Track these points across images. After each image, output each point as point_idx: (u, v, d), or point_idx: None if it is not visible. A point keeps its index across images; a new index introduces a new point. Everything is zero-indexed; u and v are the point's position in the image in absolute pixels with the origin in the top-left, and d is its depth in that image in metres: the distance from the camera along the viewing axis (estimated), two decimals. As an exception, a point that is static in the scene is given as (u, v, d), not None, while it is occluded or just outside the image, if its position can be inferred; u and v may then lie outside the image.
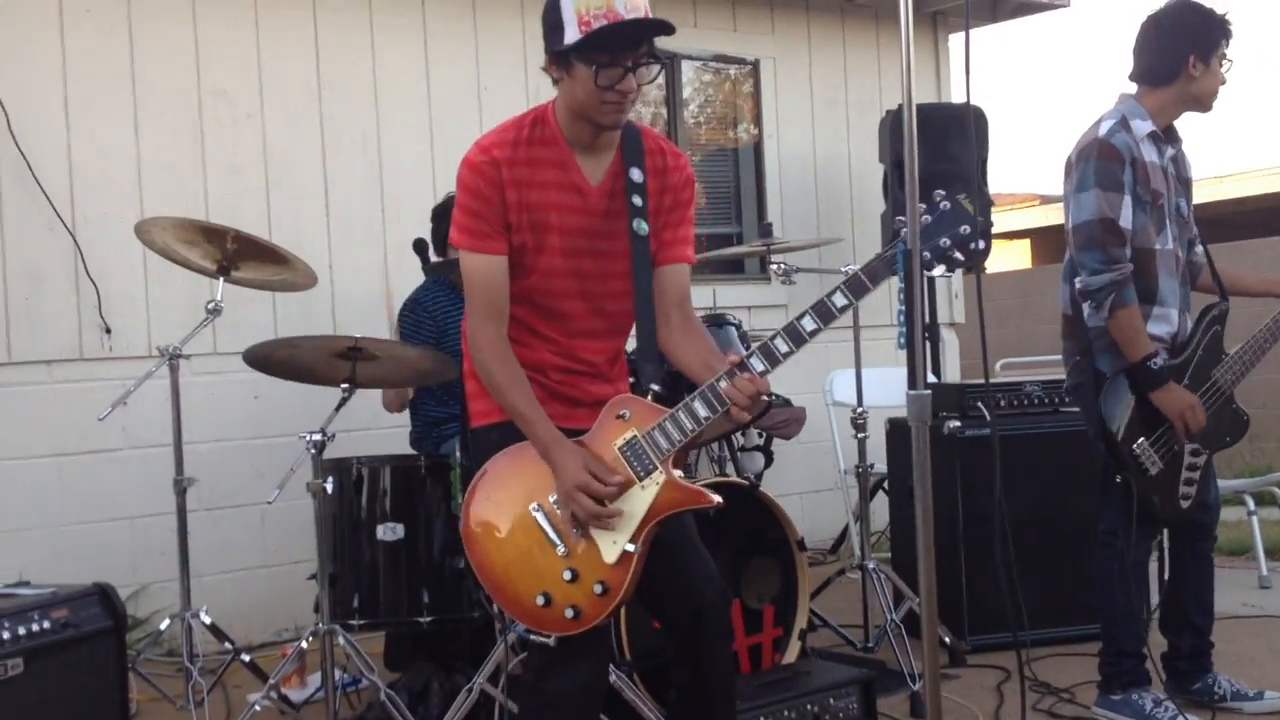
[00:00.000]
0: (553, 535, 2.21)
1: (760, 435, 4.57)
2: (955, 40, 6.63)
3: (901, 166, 2.17)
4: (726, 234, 6.04)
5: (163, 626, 3.72)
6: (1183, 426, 3.05)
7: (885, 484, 4.79)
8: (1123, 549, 3.14)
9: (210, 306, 3.59)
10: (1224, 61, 3.16)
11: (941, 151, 5.16)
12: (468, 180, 2.27)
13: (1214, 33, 3.13)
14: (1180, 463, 3.13)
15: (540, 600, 2.19)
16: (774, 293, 5.53)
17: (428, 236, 3.91)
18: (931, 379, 5.64)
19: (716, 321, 3.80)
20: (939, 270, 2.17)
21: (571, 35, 2.16)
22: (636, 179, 2.32)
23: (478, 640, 3.42)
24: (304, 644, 3.31)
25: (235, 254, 3.58)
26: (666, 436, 2.18)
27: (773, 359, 2.15)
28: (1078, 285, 3.09)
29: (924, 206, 2.14)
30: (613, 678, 2.90)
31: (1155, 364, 3.06)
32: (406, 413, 3.99)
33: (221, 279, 3.60)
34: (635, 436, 2.20)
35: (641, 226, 2.32)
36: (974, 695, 3.51)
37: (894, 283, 2.16)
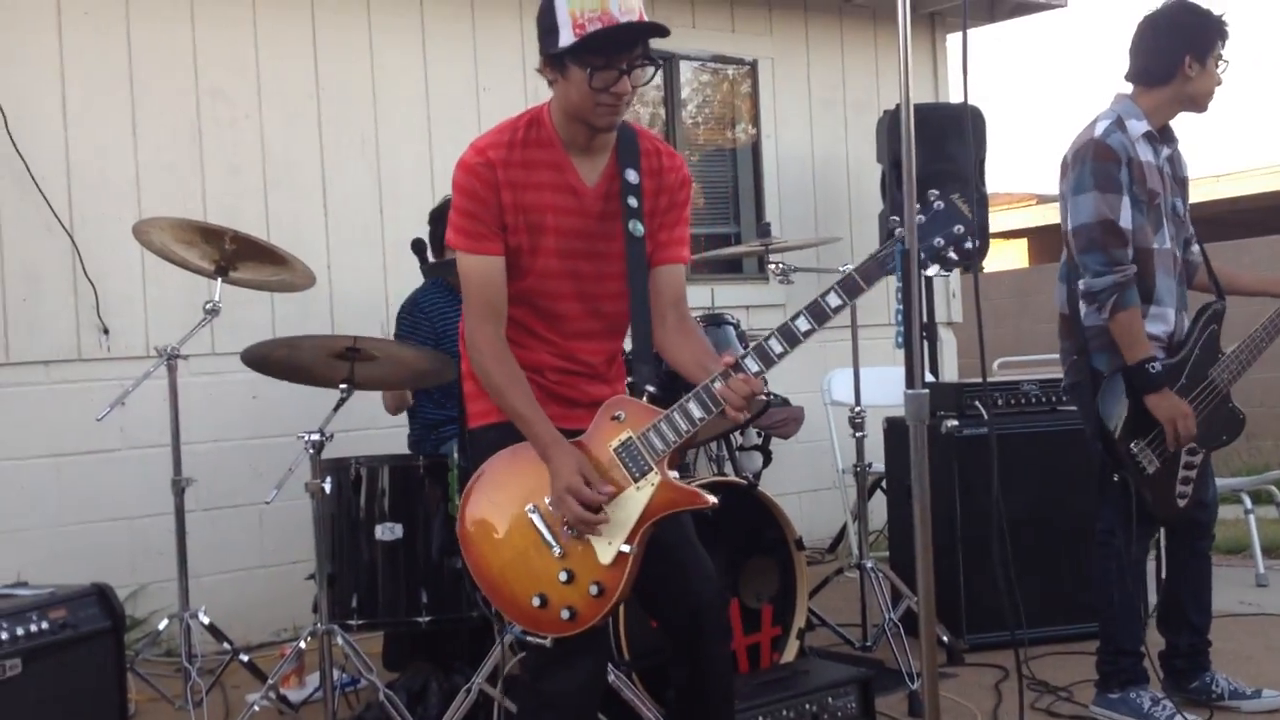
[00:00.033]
0: (548, 536, 2.21)
1: (758, 434, 4.57)
2: (953, 40, 6.63)
3: (899, 166, 2.16)
4: (725, 234, 6.05)
5: (161, 627, 3.73)
6: (1172, 433, 3.06)
7: (883, 483, 4.79)
8: (1120, 548, 3.15)
9: (208, 307, 3.59)
10: (1220, 62, 3.16)
11: (939, 151, 5.17)
12: (463, 182, 2.28)
13: (1210, 33, 3.14)
14: (1177, 461, 3.14)
15: (536, 601, 2.19)
16: (772, 292, 5.53)
17: (426, 238, 3.91)
18: (929, 378, 5.64)
19: (715, 321, 3.81)
20: (933, 270, 2.18)
21: (566, 38, 2.16)
22: (632, 180, 2.33)
23: (476, 640, 3.42)
24: (302, 644, 3.31)
25: (233, 254, 3.58)
26: (661, 437, 2.19)
27: (767, 360, 2.16)
28: (1081, 287, 3.09)
29: (918, 206, 2.15)
30: (611, 678, 2.90)
31: (1154, 368, 3.06)
32: (405, 415, 3.99)
33: (219, 279, 3.60)
34: (630, 438, 2.21)
35: (637, 228, 2.32)
36: (972, 694, 3.51)
37: (891, 282, 2.17)
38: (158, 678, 3.68)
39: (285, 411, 4.28)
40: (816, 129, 6.19)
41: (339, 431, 3.29)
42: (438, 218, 3.88)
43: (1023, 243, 15.32)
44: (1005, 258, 14.90)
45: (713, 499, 2.21)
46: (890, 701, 3.43)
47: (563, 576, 2.19)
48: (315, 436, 3.13)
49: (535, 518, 2.23)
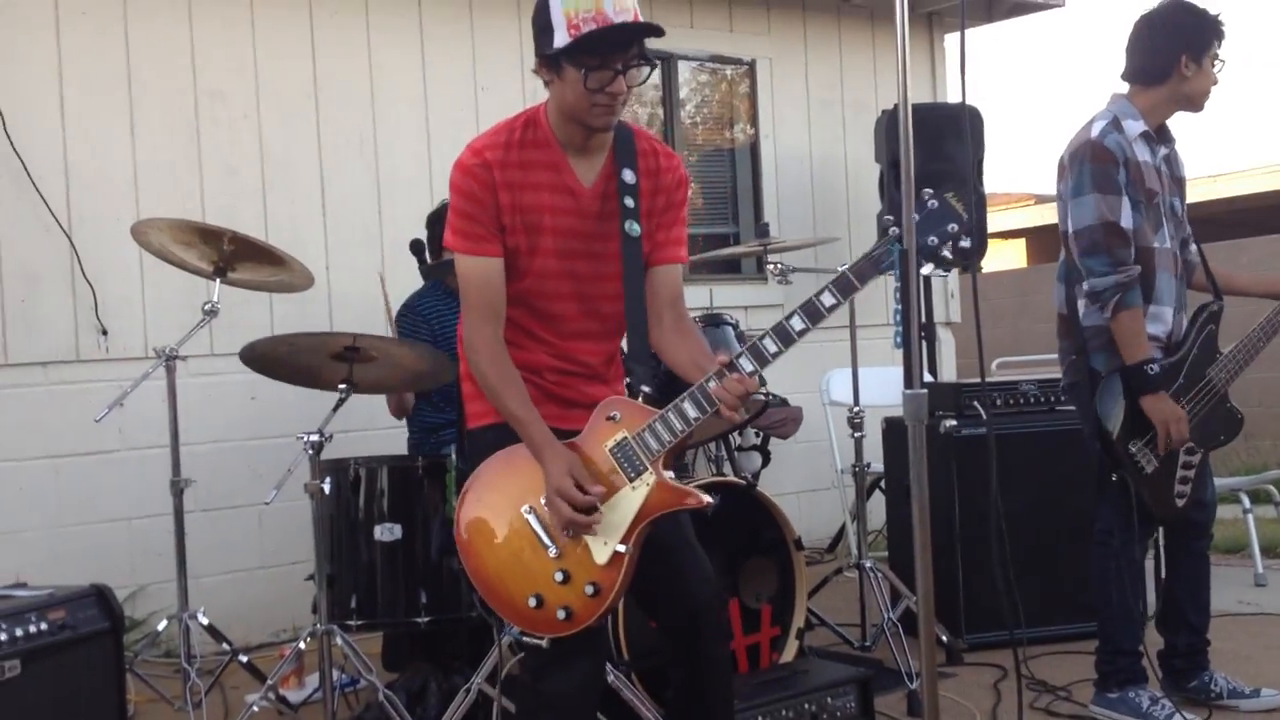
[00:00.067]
0: (544, 537, 2.21)
1: (757, 435, 4.58)
2: (951, 40, 6.64)
3: (897, 166, 2.17)
4: (723, 234, 6.05)
5: (160, 627, 3.73)
6: (1164, 436, 3.06)
7: (882, 483, 4.79)
8: (1119, 547, 3.15)
9: (207, 308, 3.59)
10: (1216, 62, 3.17)
11: (937, 151, 5.18)
12: (460, 183, 2.28)
13: (1206, 33, 3.14)
14: (1175, 461, 3.14)
15: (532, 602, 2.20)
16: (770, 292, 5.54)
17: (424, 241, 3.92)
18: (928, 378, 5.65)
19: (713, 321, 3.81)
20: (928, 269, 2.18)
21: (561, 38, 2.16)
22: (629, 180, 2.33)
23: (475, 640, 3.42)
24: (302, 644, 3.31)
25: (232, 255, 3.58)
26: (656, 438, 2.19)
27: (762, 359, 2.16)
28: (1084, 288, 3.09)
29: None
30: (611, 678, 2.90)
31: (1152, 369, 3.06)
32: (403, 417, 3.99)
33: (218, 280, 3.60)
34: (626, 438, 2.21)
35: (633, 228, 2.32)
36: (971, 694, 3.51)
37: (890, 282, 2.17)
38: (157, 679, 3.68)
39: (284, 412, 4.28)
40: (815, 129, 6.19)
41: (338, 432, 3.29)
42: (435, 221, 3.88)
43: (1021, 243, 15.32)
44: (1003, 258, 14.90)
45: (708, 498, 2.21)
46: (889, 701, 3.44)
47: (559, 577, 2.19)
48: (314, 437, 3.13)
49: (531, 518, 2.23)
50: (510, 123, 2.32)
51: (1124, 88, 3.23)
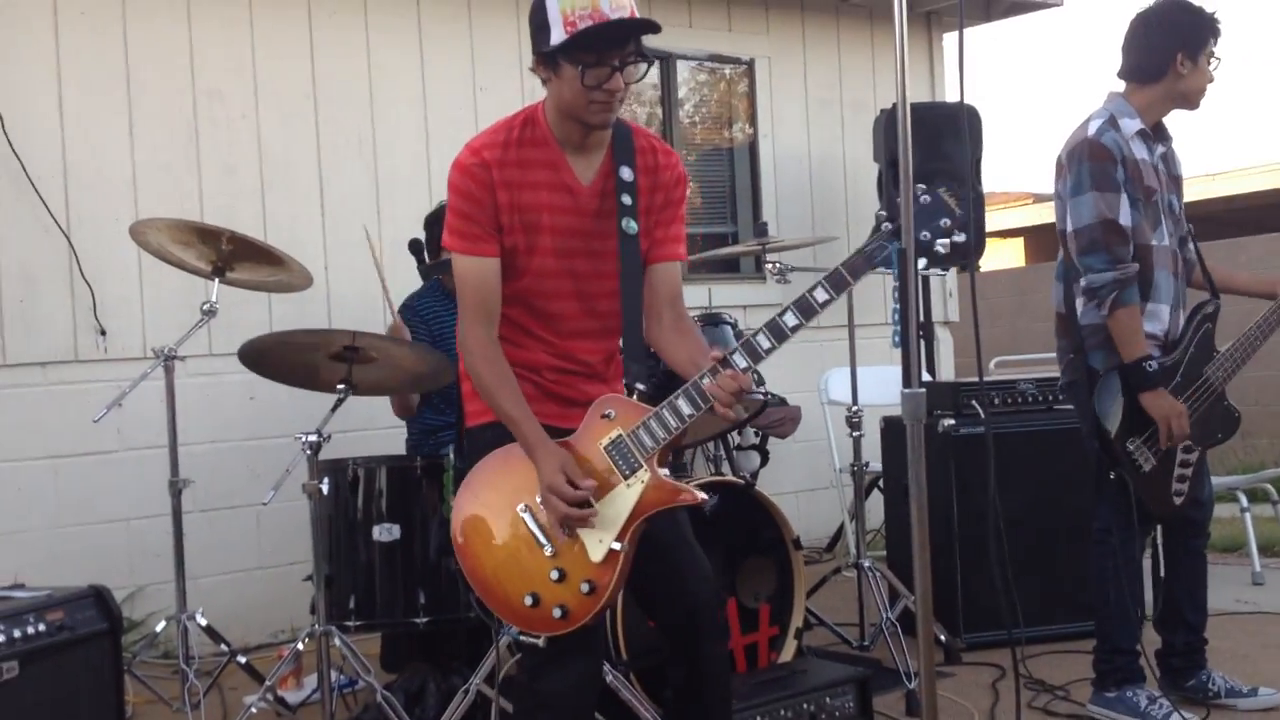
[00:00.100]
0: (540, 536, 2.22)
1: (756, 434, 4.58)
2: (949, 39, 6.64)
3: (896, 165, 2.17)
4: (722, 233, 6.05)
5: (158, 628, 3.72)
6: (1166, 432, 3.06)
7: (880, 482, 4.80)
8: (1117, 546, 3.15)
9: (205, 308, 3.59)
10: (1212, 60, 3.17)
11: (935, 150, 5.18)
12: (458, 183, 2.28)
13: (1202, 31, 3.15)
14: (1173, 459, 3.14)
15: (529, 601, 2.20)
16: (769, 292, 5.53)
17: (423, 240, 3.91)
18: (926, 377, 5.65)
19: (712, 321, 3.81)
20: (921, 264, 2.18)
21: (557, 36, 2.16)
22: (627, 178, 2.33)
23: (474, 641, 3.42)
24: (300, 645, 3.31)
25: (230, 255, 3.58)
26: (651, 435, 2.19)
27: (755, 356, 2.16)
28: (1081, 284, 3.09)
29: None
30: (609, 678, 2.90)
31: (1150, 366, 3.07)
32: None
33: (216, 280, 3.60)
34: (620, 435, 2.21)
35: (630, 225, 2.32)
36: (969, 693, 3.52)
37: (888, 282, 2.18)
38: (155, 680, 3.68)
39: (283, 412, 4.28)
40: (813, 128, 6.19)
41: (336, 432, 3.29)
42: (434, 222, 3.88)
43: (1019, 241, 15.33)
44: (1002, 257, 14.91)
45: (702, 495, 2.22)
46: (888, 701, 3.44)
47: (554, 575, 2.19)
48: (313, 437, 3.12)
49: (527, 517, 2.23)
50: (508, 121, 2.32)
51: (1121, 86, 3.24)
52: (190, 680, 3.44)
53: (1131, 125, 3.14)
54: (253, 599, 4.51)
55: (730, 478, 3.76)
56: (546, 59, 2.22)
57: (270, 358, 3.34)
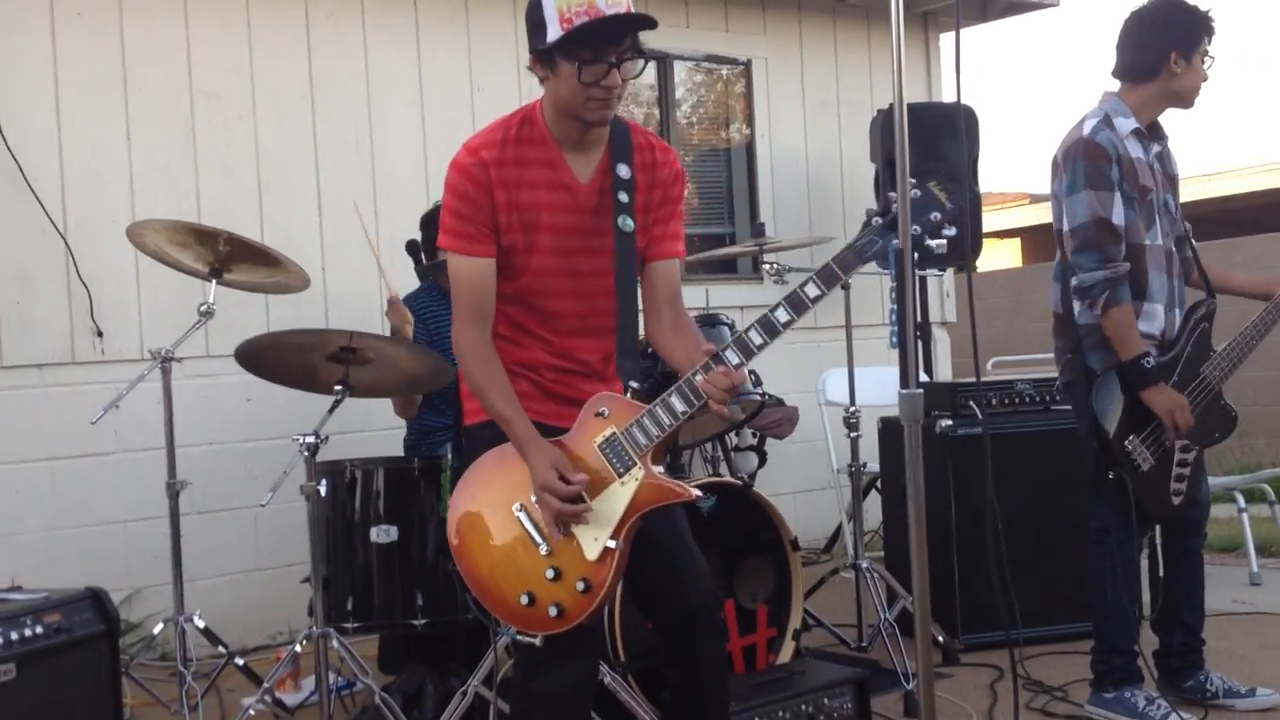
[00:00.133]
0: (535, 535, 2.22)
1: (754, 435, 4.58)
2: (946, 40, 6.65)
3: (893, 166, 2.18)
4: (719, 234, 6.05)
5: (156, 631, 3.72)
6: (1171, 425, 3.07)
7: (878, 483, 4.80)
8: (1115, 546, 3.16)
9: (202, 309, 3.59)
10: (1206, 58, 3.17)
11: (932, 150, 5.18)
12: (456, 183, 2.28)
13: (1196, 29, 3.15)
14: (1171, 459, 3.15)
15: (525, 600, 2.20)
16: (767, 292, 5.50)
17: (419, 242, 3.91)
18: (923, 378, 5.66)
19: (710, 321, 3.81)
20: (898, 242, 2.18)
21: (554, 33, 2.16)
22: (624, 175, 2.32)
23: (472, 643, 3.41)
24: (298, 647, 3.30)
25: (227, 256, 3.57)
26: (644, 432, 2.19)
27: (748, 351, 2.17)
28: (1073, 284, 3.10)
29: (894, 195, 2.17)
30: (607, 679, 2.90)
31: (1148, 362, 3.07)
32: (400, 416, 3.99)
33: (214, 281, 3.59)
34: (614, 433, 2.21)
35: (627, 223, 2.32)
36: (968, 694, 3.52)
37: (886, 282, 2.18)
38: (153, 682, 3.67)
39: (280, 414, 4.27)
40: (810, 129, 6.19)
41: (334, 434, 3.29)
42: (429, 222, 3.88)
43: (1016, 242, 15.35)
44: (999, 257, 14.93)
45: (696, 492, 2.22)
46: (886, 702, 3.44)
47: (550, 574, 2.20)
48: (310, 439, 3.12)
49: (522, 516, 2.23)
50: (506, 120, 2.32)
51: (1115, 85, 3.24)
52: (188, 682, 3.44)
53: (1126, 124, 3.15)
54: (250, 601, 4.50)
55: (728, 479, 3.76)
56: (543, 56, 2.22)
57: (267, 359, 3.34)
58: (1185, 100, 3.20)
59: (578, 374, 2.39)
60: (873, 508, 4.90)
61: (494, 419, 2.27)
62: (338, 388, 3.20)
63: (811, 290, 2.17)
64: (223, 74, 4.58)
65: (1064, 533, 3.85)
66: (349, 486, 3.36)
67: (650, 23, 2.19)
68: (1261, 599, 4.50)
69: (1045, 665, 3.67)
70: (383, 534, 3.29)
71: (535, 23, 2.20)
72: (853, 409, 4.03)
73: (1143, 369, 3.06)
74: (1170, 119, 3.25)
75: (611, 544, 2.17)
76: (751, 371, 3.67)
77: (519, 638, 2.25)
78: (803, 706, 3.10)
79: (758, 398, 3.66)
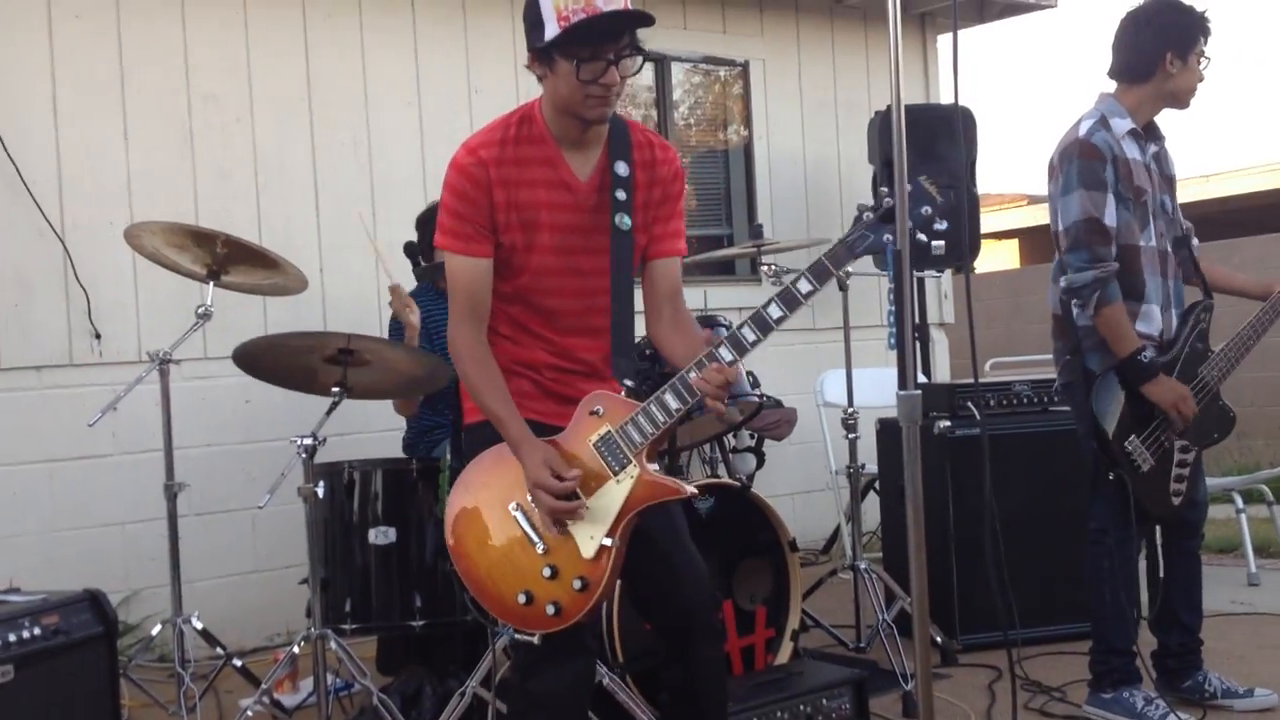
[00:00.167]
0: (532, 534, 2.22)
1: (752, 436, 4.58)
2: (943, 41, 6.65)
3: (891, 167, 2.18)
4: (717, 236, 6.05)
5: (154, 632, 3.71)
6: (1176, 416, 3.07)
7: (876, 484, 4.80)
8: (1113, 546, 3.16)
9: (200, 311, 3.58)
10: (1202, 59, 3.18)
11: (930, 152, 5.17)
12: (454, 182, 2.28)
13: (1192, 30, 3.15)
14: (1170, 460, 3.15)
15: (522, 599, 2.20)
16: (765, 294, 5.44)
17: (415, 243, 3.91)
18: (921, 379, 5.66)
19: (708, 323, 3.81)
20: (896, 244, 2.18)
21: (551, 31, 2.16)
22: (622, 173, 2.32)
23: (470, 644, 3.41)
24: (296, 649, 3.30)
25: (225, 258, 3.57)
26: (639, 430, 2.19)
27: (741, 348, 2.17)
28: (1062, 284, 3.11)
29: (885, 190, 2.17)
30: (605, 680, 2.90)
31: (1145, 357, 3.08)
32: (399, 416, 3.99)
33: (211, 283, 3.59)
34: (609, 431, 2.22)
35: (624, 221, 2.32)
36: (966, 694, 3.52)
37: (884, 284, 2.18)
38: (151, 683, 3.66)
39: (278, 415, 4.27)
40: (808, 130, 6.20)
41: (332, 435, 3.29)
42: (424, 222, 3.88)
43: (1014, 243, 15.36)
44: (997, 258, 14.94)
45: (691, 489, 2.22)
46: (884, 702, 3.44)
47: (546, 572, 2.20)
48: (308, 440, 3.12)
49: (519, 515, 2.24)
50: (505, 119, 2.33)
51: (1112, 86, 3.25)
52: (186, 684, 3.44)
53: (1122, 125, 3.15)
54: (248, 602, 4.50)
55: (726, 480, 3.76)
56: (541, 55, 2.22)
57: (265, 361, 3.34)
58: (1181, 101, 3.20)
59: (578, 373, 2.39)
60: (871, 509, 4.90)
61: (488, 418, 2.27)
62: (335, 389, 3.20)
63: (804, 286, 2.17)
64: (220, 76, 4.58)
65: (1062, 533, 3.85)
66: (347, 488, 3.36)
67: (648, 20, 2.19)
68: (1259, 599, 4.51)
69: (1043, 666, 3.67)
70: (381, 535, 3.29)
71: (533, 21, 2.20)
72: (851, 410, 4.03)
73: (1141, 364, 3.06)
74: (1169, 119, 3.26)
75: (608, 542, 2.18)
76: (749, 373, 3.67)
77: (517, 637, 2.25)
78: (801, 707, 3.10)
79: (756, 399, 3.66)
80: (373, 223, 4.85)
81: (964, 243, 5.07)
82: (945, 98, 6.49)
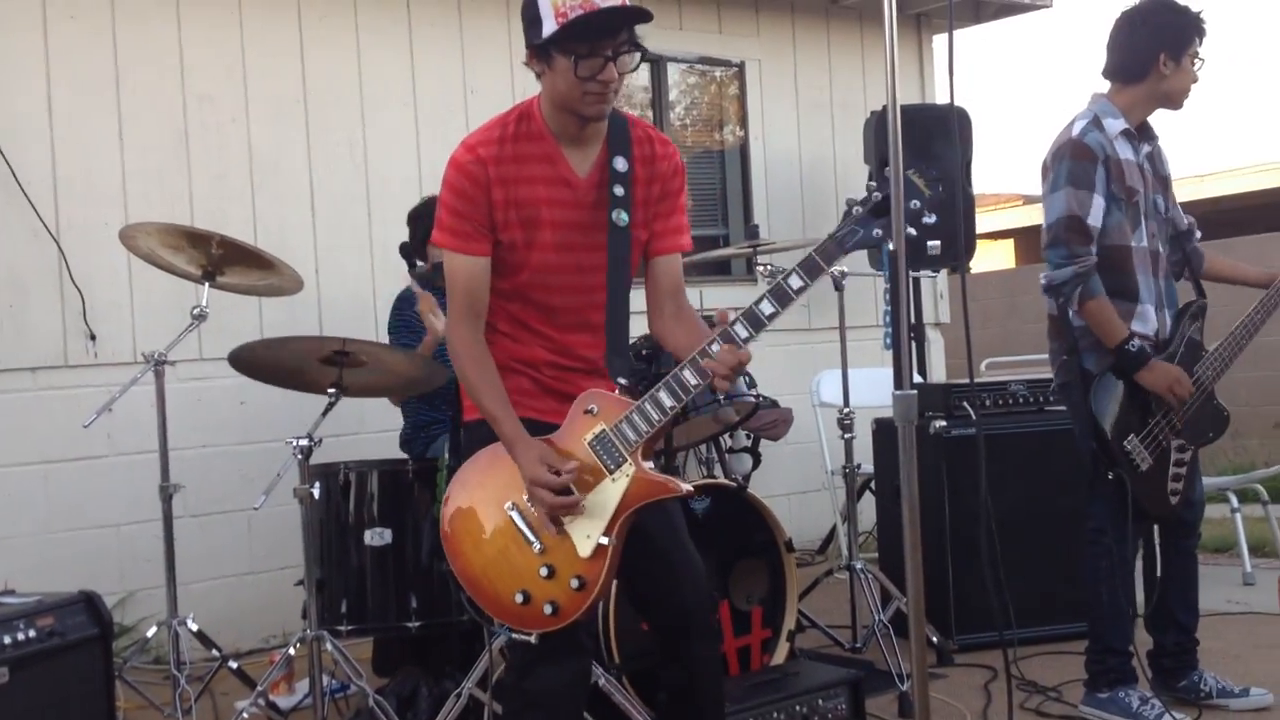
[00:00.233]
0: (528, 533, 2.22)
1: (748, 437, 4.58)
2: (939, 41, 6.66)
3: (886, 167, 2.18)
4: (713, 236, 6.05)
5: (149, 634, 3.70)
6: (1173, 398, 3.08)
7: (872, 484, 4.80)
8: (1110, 546, 3.16)
9: (196, 312, 3.58)
10: (1196, 60, 3.18)
11: (926, 152, 5.18)
12: (453, 180, 2.28)
13: (1186, 30, 3.16)
14: (1168, 459, 3.16)
15: (519, 598, 2.20)
16: (761, 294, 5.54)
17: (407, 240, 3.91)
18: (917, 379, 5.66)
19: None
20: (891, 245, 2.18)
21: (549, 27, 2.16)
22: (620, 168, 2.32)
23: (466, 645, 3.41)
24: (292, 650, 3.30)
25: (220, 259, 3.56)
26: (634, 428, 2.19)
27: (731, 340, 2.15)
28: (1042, 281, 3.12)
29: (874, 184, 2.17)
30: (601, 681, 2.90)
31: (1133, 346, 3.08)
32: (398, 413, 3.99)
33: (207, 284, 3.59)
34: (604, 430, 2.21)
35: (621, 217, 2.32)
36: (962, 694, 3.52)
37: (879, 284, 2.18)
38: (146, 685, 3.66)
39: (273, 416, 4.27)
40: (804, 130, 6.20)
41: (327, 436, 3.28)
42: (416, 218, 3.88)
43: (1009, 243, 15.38)
44: (992, 258, 14.95)
45: (687, 487, 2.22)
46: (880, 703, 3.44)
47: (543, 572, 2.20)
48: (304, 441, 3.12)
49: (515, 515, 2.24)
50: (504, 117, 2.32)
51: (1105, 86, 3.25)
52: (181, 686, 3.43)
53: (1115, 125, 3.16)
54: (244, 604, 4.50)
55: (722, 480, 3.76)
56: (539, 52, 2.22)
57: (260, 362, 3.33)
58: (1174, 101, 3.21)
59: (577, 371, 2.39)
60: (867, 509, 4.90)
61: (485, 417, 2.27)
62: (331, 391, 3.19)
63: (795, 282, 2.17)
64: (215, 76, 4.58)
65: (1058, 533, 3.86)
66: (343, 489, 3.36)
67: (645, 16, 2.19)
68: (1255, 599, 4.51)
69: (1039, 665, 3.68)
70: (377, 537, 3.29)
71: (531, 18, 2.20)
72: (847, 410, 4.03)
73: (1130, 353, 3.07)
74: (1164, 119, 3.26)
75: (604, 540, 2.17)
76: (746, 373, 3.67)
77: (514, 636, 2.25)
78: (797, 708, 3.10)
79: (752, 399, 3.66)
80: (368, 223, 4.85)
81: (959, 243, 5.08)
82: (941, 98, 6.49)
